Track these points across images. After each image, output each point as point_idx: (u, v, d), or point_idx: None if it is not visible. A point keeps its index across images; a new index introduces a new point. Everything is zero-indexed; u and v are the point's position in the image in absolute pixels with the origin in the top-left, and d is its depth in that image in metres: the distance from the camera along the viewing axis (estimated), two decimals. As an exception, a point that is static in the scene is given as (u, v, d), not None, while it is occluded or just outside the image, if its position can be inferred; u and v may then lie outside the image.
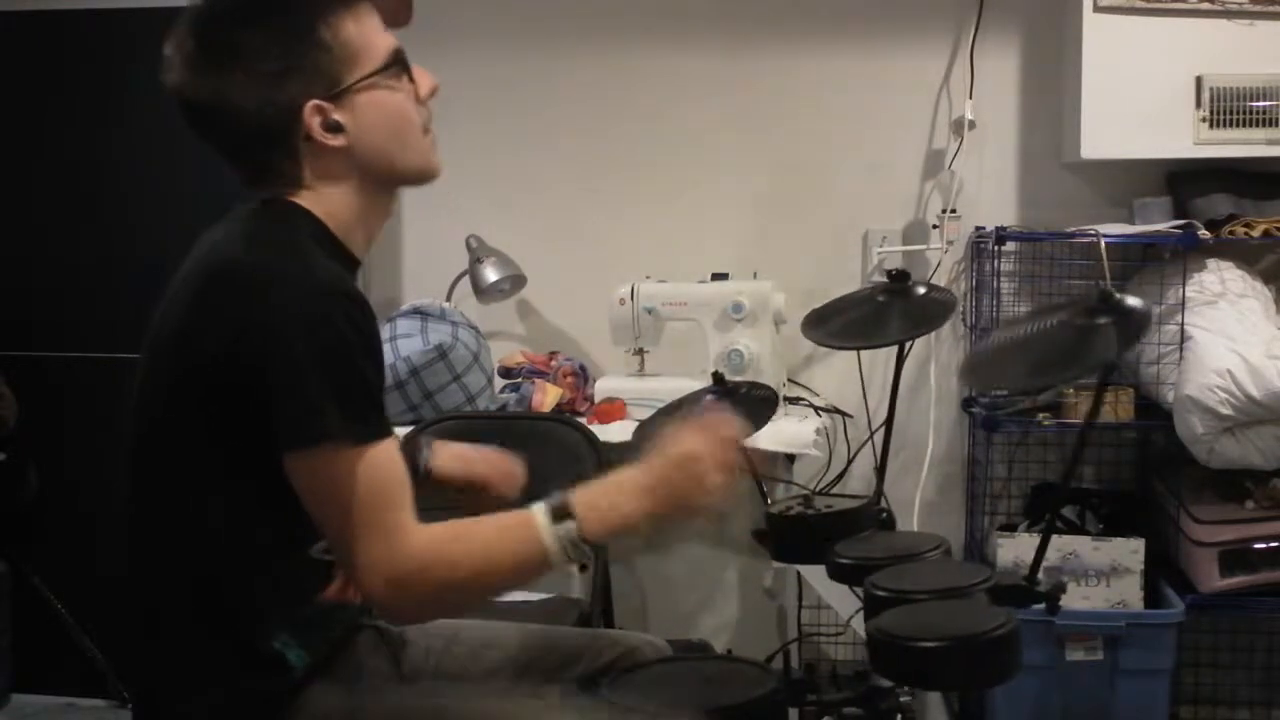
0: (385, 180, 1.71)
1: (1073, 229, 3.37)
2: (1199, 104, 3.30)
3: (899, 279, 1.90)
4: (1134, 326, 1.49)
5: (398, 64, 1.67)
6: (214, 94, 1.61)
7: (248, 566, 1.60)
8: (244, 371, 1.50)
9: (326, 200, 1.66)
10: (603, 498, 1.61)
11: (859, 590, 1.67)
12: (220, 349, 1.51)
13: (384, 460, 1.54)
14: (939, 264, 3.62)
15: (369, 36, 1.65)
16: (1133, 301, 1.51)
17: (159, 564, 1.61)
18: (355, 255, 1.69)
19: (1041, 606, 1.71)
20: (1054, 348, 1.53)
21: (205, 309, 1.54)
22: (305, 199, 1.65)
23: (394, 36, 1.69)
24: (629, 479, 1.62)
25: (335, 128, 1.62)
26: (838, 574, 1.75)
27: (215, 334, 1.52)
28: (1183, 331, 3.20)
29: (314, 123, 1.61)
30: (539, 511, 1.58)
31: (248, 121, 1.61)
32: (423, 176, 1.75)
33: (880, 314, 1.89)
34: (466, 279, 3.60)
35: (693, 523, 1.61)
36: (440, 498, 1.90)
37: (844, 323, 1.92)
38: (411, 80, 1.69)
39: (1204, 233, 3.24)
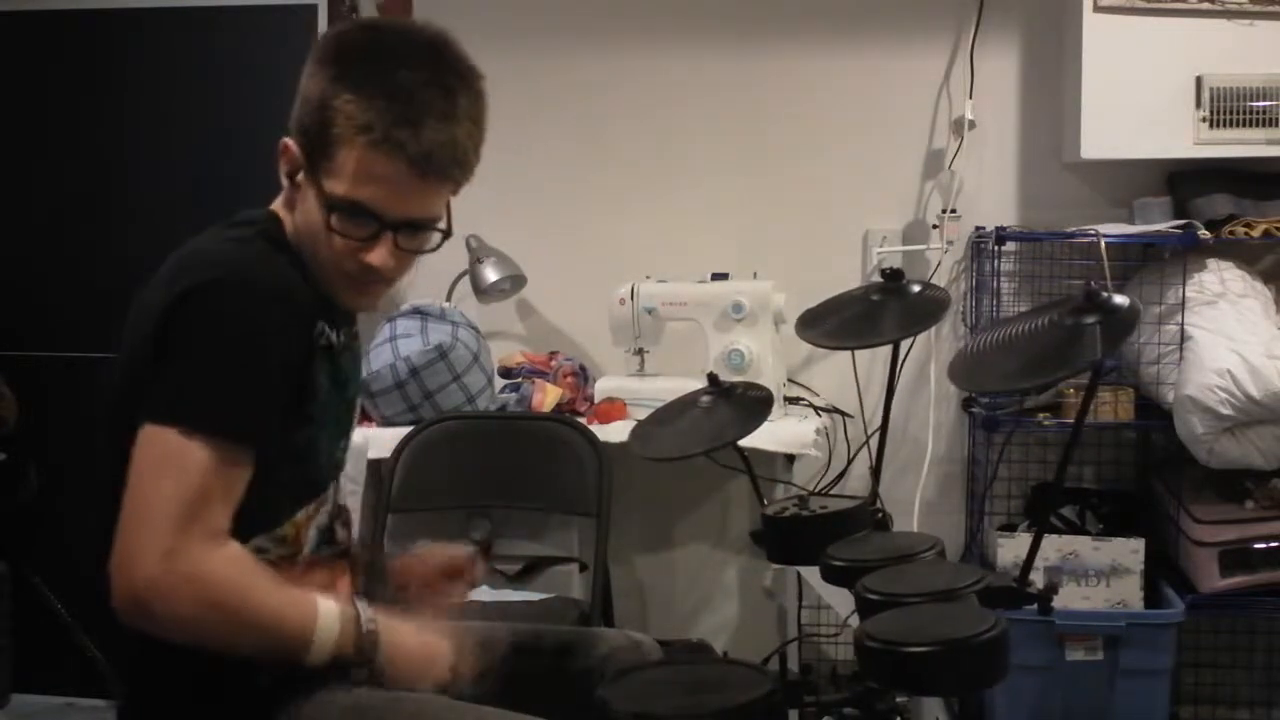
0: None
1: (1073, 229, 3.37)
2: (1199, 104, 3.29)
3: (893, 278, 1.90)
4: (1121, 325, 1.48)
5: (334, 208, 1.61)
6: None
7: None
8: (156, 352, 1.51)
9: (291, 215, 1.69)
10: (389, 631, 1.61)
11: (854, 591, 1.66)
12: (142, 334, 1.53)
13: (221, 462, 1.49)
14: (939, 264, 3.62)
15: (352, 167, 1.59)
16: (1119, 300, 1.50)
17: None
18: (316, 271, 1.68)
19: (1035, 607, 1.70)
20: (1041, 347, 1.53)
21: (158, 313, 1.54)
22: (283, 205, 1.69)
23: (374, 191, 1.61)
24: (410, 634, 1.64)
25: (291, 174, 1.64)
26: (830, 576, 1.75)
27: (142, 322, 1.54)
28: (1183, 331, 3.20)
29: (285, 153, 1.64)
30: (328, 608, 1.57)
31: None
32: (330, 296, 1.70)
33: (874, 313, 1.88)
34: (466, 279, 3.60)
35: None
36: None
37: (838, 322, 1.91)
38: (368, 239, 1.63)
39: (1204, 233, 3.24)
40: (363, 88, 1.58)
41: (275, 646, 1.54)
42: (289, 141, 1.63)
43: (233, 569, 1.50)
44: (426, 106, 1.60)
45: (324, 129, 1.59)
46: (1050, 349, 1.50)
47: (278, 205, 1.71)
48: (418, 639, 1.65)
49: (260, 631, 1.53)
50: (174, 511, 1.46)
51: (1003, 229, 3.41)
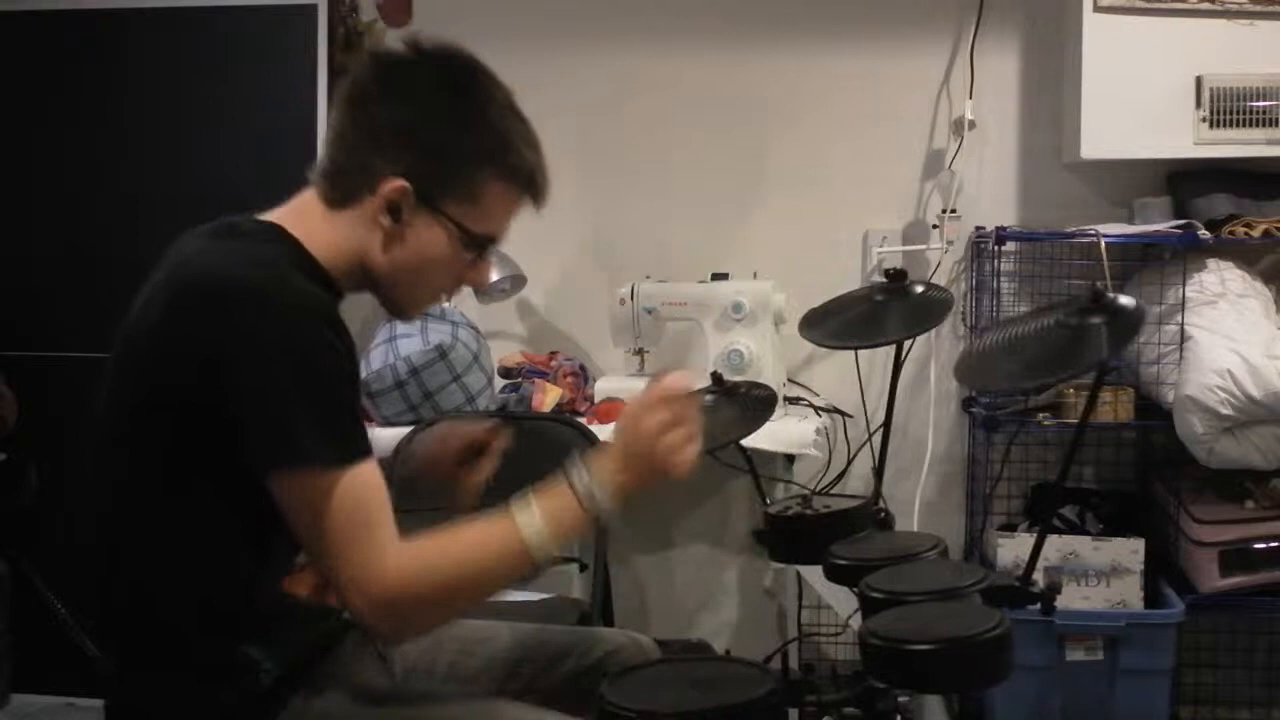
0: (366, 278, 1.69)
1: (1073, 229, 3.37)
2: (1199, 104, 3.29)
3: (896, 278, 1.90)
4: (1126, 326, 1.49)
5: (477, 246, 1.69)
6: (373, 106, 1.64)
7: (208, 573, 1.58)
8: (215, 387, 1.48)
9: (327, 237, 1.64)
10: (578, 487, 1.61)
11: (858, 590, 1.67)
12: (193, 364, 1.49)
13: (365, 480, 1.53)
14: (939, 264, 3.62)
15: (498, 207, 1.69)
16: (1125, 301, 1.50)
17: (121, 567, 1.61)
18: (336, 284, 1.66)
19: (1037, 607, 1.71)
20: (1047, 347, 1.53)
21: (180, 323, 1.52)
22: (312, 224, 1.64)
23: (504, 223, 1.74)
24: (598, 466, 1.62)
25: (395, 216, 1.62)
26: (834, 574, 1.75)
27: (188, 349, 1.50)
28: (1183, 331, 3.20)
29: (386, 196, 1.61)
30: (519, 512, 1.60)
31: (359, 137, 1.63)
32: (390, 310, 1.75)
33: (878, 313, 1.88)
34: (466, 279, 3.59)
35: (670, 485, 1.61)
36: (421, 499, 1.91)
37: (841, 322, 1.92)
38: (472, 261, 1.71)
39: (1204, 233, 3.24)
40: (498, 131, 1.67)
41: (507, 574, 1.62)
42: (404, 184, 1.61)
43: (429, 543, 1.56)
44: (538, 144, 1.74)
45: (467, 173, 1.65)
46: (1056, 349, 1.51)
47: (287, 219, 1.65)
48: (632, 449, 1.63)
49: (484, 578, 1.61)
50: (351, 541, 1.51)
51: (1003, 229, 3.41)
